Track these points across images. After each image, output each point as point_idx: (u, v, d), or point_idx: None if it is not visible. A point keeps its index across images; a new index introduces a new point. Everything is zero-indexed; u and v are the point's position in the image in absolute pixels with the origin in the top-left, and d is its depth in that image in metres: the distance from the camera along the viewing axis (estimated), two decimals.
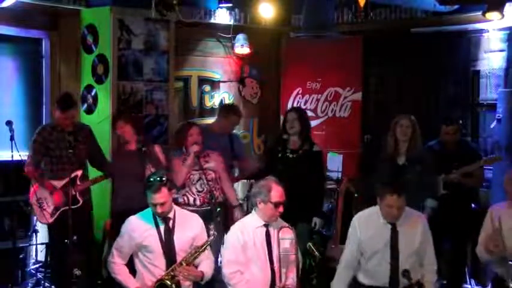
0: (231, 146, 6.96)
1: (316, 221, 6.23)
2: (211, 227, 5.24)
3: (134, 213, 5.30)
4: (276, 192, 5.15)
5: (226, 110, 7.30)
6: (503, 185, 5.39)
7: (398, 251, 5.09)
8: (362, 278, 5.23)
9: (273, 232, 5.20)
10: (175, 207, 5.29)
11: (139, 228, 5.10)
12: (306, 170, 6.19)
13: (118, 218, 5.83)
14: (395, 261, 5.07)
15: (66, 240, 5.72)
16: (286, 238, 5.17)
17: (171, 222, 5.14)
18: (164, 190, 5.08)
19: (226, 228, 5.63)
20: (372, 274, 5.16)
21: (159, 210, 5.07)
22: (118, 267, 5.05)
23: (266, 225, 5.21)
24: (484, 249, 5.25)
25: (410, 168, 6.10)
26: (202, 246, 5.10)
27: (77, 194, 6.12)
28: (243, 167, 7.12)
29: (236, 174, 7.34)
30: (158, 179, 5.11)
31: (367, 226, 5.19)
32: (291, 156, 6.25)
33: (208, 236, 5.23)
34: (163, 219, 5.11)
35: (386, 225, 5.13)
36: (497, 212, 5.31)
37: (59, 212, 6.05)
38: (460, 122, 7.06)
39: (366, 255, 5.17)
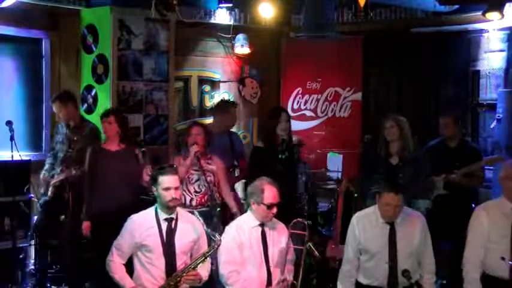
0: (231, 146, 6.94)
1: None
2: (216, 234, 5.10)
3: (113, 215, 5.21)
4: (269, 194, 5.09)
5: (224, 104, 7.25)
6: (501, 180, 4.98)
7: (396, 251, 5.07)
8: (361, 278, 5.21)
9: (268, 232, 5.18)
10: (178, 208, 5.13)
11: (140, 227, 4.98)
12: (296, 166, 6.30)
13: (96, 219, 5.87)
14: (394, 261, 5.06)
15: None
16: (282, 237, 5.15)
17: (173, 222, 5.01)
18: (176, 176, 5.04)
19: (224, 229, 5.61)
20: (370, 274, 5.15)
21: (174, 195, 4.90)
22: (115, 266, 4.99)
23: (261, 225, 5.18)
24: None
25: (404, 168, 6.09)
26: (208, 252, 4.95)
27: None
28: (244, 166, 7.11)
29: (237, 174, 7.32)
30: (169, 165, 5.16)
31: (365, 226, 5.18)
32: (283, 156, 6.27)
33: (210, 241, 5.18)
34: (165, 220, 4.98)
35: (385, 225, 5.12)
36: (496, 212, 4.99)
37: None
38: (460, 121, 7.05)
39: (365, 254, 5.17)
